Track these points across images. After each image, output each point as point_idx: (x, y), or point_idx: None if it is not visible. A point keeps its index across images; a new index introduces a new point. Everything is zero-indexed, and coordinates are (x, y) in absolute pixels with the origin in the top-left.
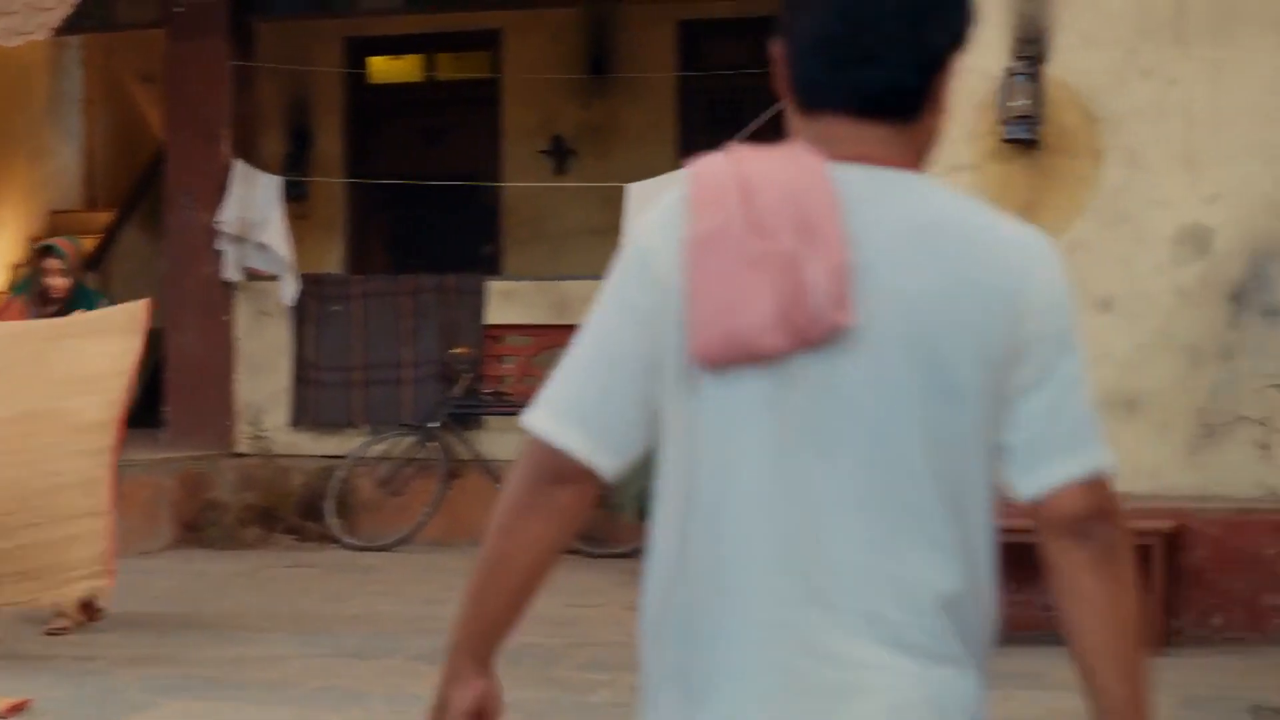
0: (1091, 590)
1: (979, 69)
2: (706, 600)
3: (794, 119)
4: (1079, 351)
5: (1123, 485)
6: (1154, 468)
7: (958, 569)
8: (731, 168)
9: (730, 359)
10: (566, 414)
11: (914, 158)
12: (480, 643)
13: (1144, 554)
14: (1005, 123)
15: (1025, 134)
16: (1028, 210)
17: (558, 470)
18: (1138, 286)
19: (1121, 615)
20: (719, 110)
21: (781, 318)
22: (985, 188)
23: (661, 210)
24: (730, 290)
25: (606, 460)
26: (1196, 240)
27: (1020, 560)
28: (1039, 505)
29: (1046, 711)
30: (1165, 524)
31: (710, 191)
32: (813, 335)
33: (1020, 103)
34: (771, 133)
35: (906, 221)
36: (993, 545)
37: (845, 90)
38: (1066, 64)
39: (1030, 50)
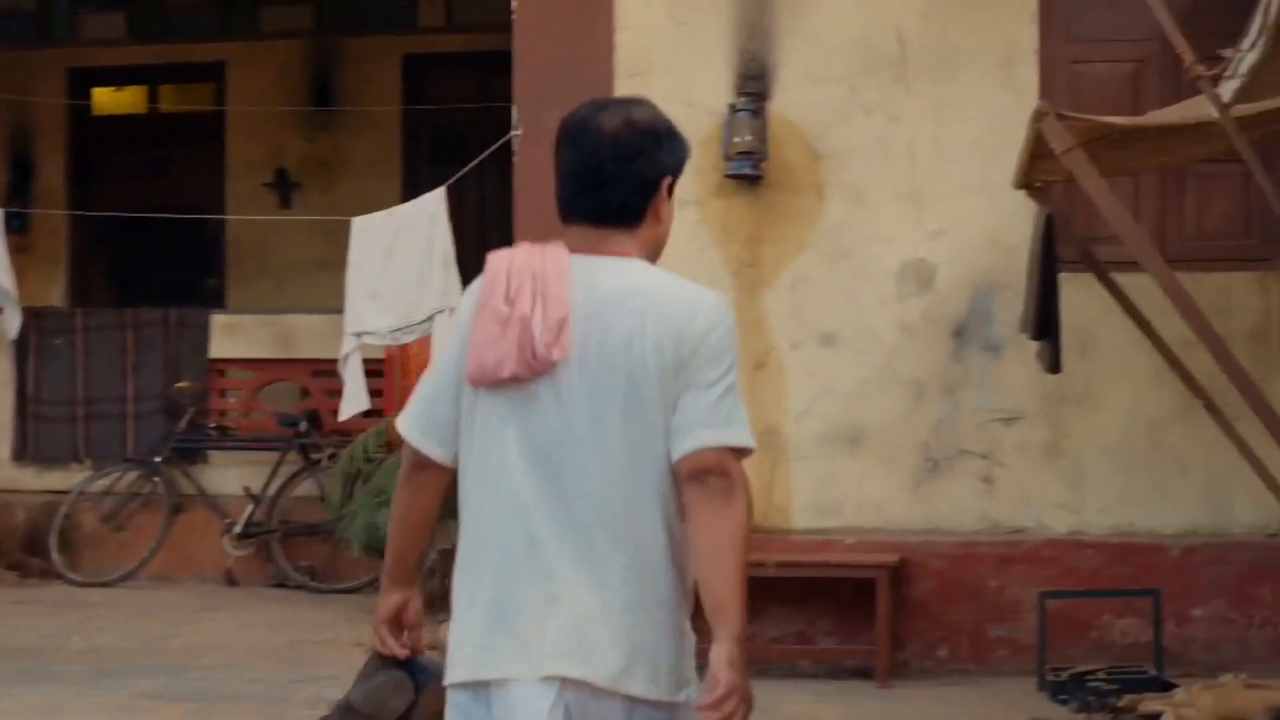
0: (702, 518)
1: (704, 105)
2: (472, 539)
3: (562, 226)
4: (724, 369)
5: (848, 519)
6: (878, 501)
7: (642, 507)
8: (506, 258)
9: (485, 382)
10: (411, 422)
11: (639, 250)
12: (395, 568)
13: (869, 587)
14: (729, 159)
15: (749, 170)
16: (751, 245)
17: (414, 459)
18: (861, 321)
19: (722, 534)
20: (443, 143)
21: (517, 356)
22: (709, 223)
23: (472, 287)
24: (486, 339)
25: (436, 450)
26: (919, 275)
27: (750, 593)
28: (679, 463)
29: None
30: (890, 557)
31: (489, 274)
32: (538, 366)
33: (744, 139)
34: (495, 165)
35: (619, 289)
36: (671, 490)
37: (584, 208)
38: (790, 101)
39: (754, 87)
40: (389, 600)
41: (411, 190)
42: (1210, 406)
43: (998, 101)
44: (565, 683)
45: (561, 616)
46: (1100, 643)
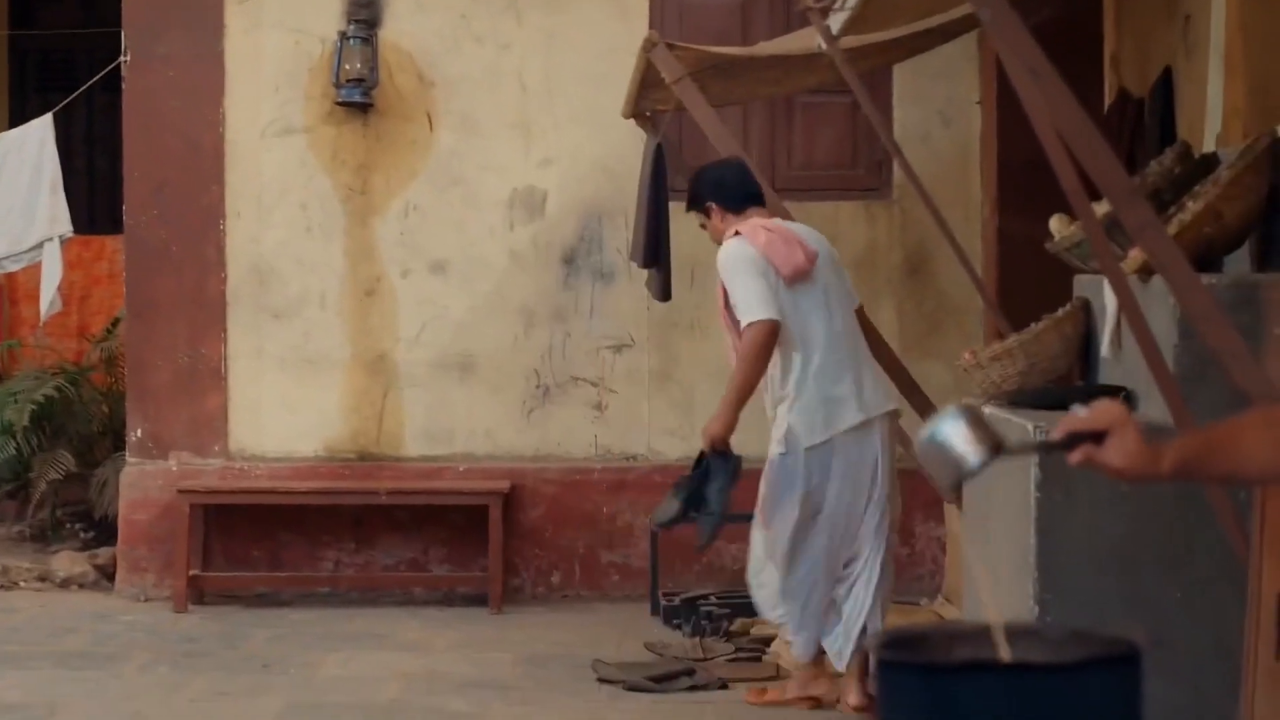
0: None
1: (314, 32)
2: (801, 365)
3: (727, 216)
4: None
5: (460, 446)
6: (490, 428)
7: (858, 350)
8: (757, 226)
9: (795, 277)
10: (771, 311)
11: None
12: (738, 408)
13: (481, 514)
14: (339, 86)
15: (359, 98)
16: (362, 172)
17: (770, 329)
18: (471, 250)
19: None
20: (51, 69)
21: (806, 259)
22: (319, 150)
23: (741, 244)
24: (785, 256)
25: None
26: (529, 204)
27: (361, 521)
28: (856, 310)
29: (390, 672)
30: (502, 484)
31: (759, 233)
32: (808, 269)
33: (354, 66)
34: (104, 92)
35: (803, 231)
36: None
37: (753, 201)
38: (401, 29)
39: (364, 14)
40: (734, 425)
41: (19, 117)
42: None
43: (608, 31)
44: (861, 424)
45: (844, 389)
46: (712, 568)
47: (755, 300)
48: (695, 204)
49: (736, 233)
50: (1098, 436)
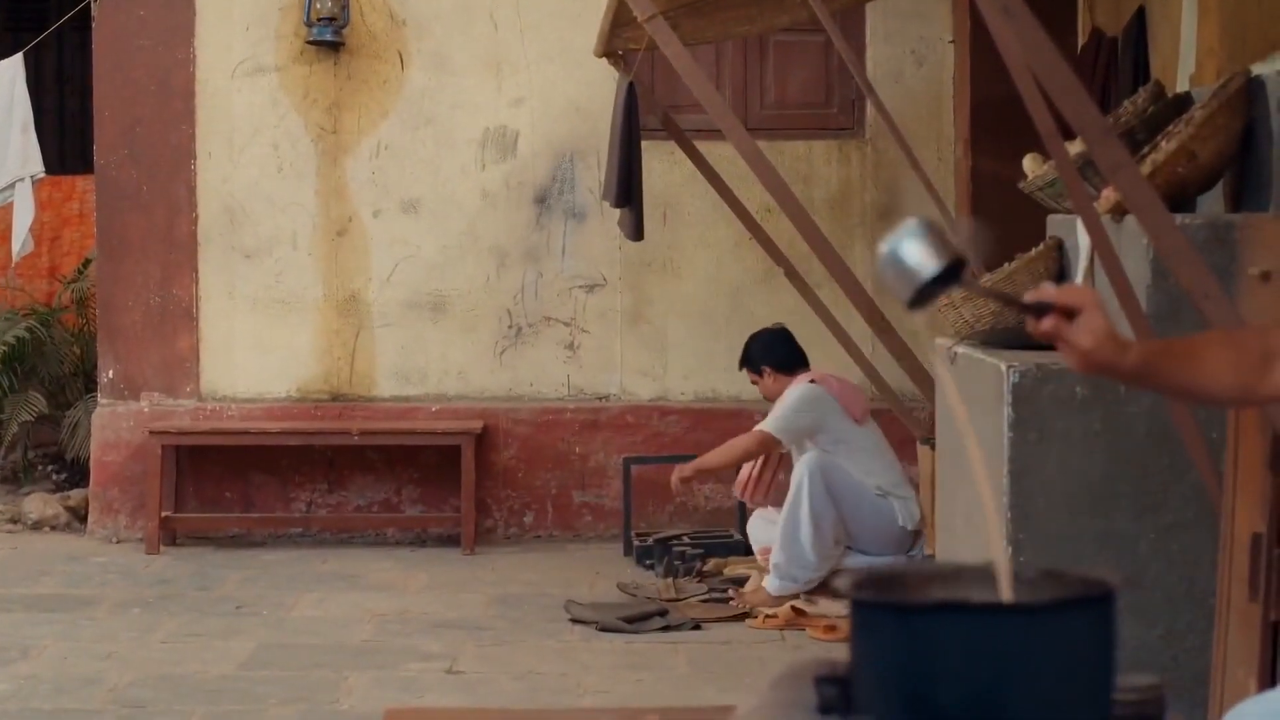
0: None
1: None
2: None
3: (779, 377)
4: None
5: (432, 386)
6: (462, 368)
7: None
8: (824, 378)
9: (860, 419)
10: (785, 432)
11: None
12: (703, 467)
13: (454, 454)
14: (310, 25)
15: (331, 36)
16: (333, 111)
17: (769, 444)
18: (443, 189)
19: None
20: (22, 9)
21: (868, 406)
22: (290, 89)
23: (812, 387)
24: (854, 399)
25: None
26: (501, 143)
27: (334, 462)
28: None
29: (363, 613)
30: (474, 424)
31: (825, 382)
32: (869, 412)
33: (325, 5)
34: (75, 31)
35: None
36: None
37: (801, 363)
38: None
39: None
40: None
41: None
42: (791, 273)
43: None
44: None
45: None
46: (684, 508)
47: (785, 423)
48: (750, 366)
49: (812, 380)
50: (1069, 313)
